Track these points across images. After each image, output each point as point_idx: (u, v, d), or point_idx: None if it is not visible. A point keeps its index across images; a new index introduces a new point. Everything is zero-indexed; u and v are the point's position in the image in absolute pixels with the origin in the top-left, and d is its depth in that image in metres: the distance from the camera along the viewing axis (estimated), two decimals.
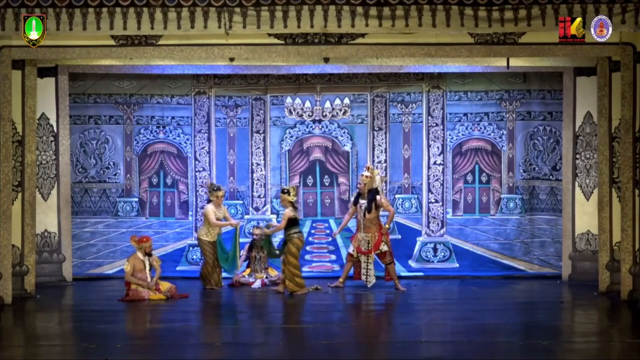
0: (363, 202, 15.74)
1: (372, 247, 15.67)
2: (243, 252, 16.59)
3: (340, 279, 15.97)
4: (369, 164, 16.45)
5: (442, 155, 17.44)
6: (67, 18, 14.23)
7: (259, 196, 17.61)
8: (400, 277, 16.17)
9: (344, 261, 17.13)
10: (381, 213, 15.90)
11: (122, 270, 16.87)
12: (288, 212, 15.46)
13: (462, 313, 14.15)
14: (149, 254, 15.22)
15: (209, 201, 16.21)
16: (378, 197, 15.69)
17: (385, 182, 17.26)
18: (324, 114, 17.62)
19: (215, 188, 16.20)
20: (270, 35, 14.66)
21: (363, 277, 15.80)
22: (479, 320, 13.50)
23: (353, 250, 15.84)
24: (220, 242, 16.02)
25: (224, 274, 16.82)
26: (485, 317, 13.76)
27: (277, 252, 15.68)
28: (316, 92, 17.59)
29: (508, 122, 17.41)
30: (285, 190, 15.62)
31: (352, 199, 16.21)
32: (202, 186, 17.00)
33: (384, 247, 15.69)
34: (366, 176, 15.71)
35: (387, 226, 15.76)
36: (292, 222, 15.46)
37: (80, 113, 17.35)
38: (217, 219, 16.01)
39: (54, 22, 14.19)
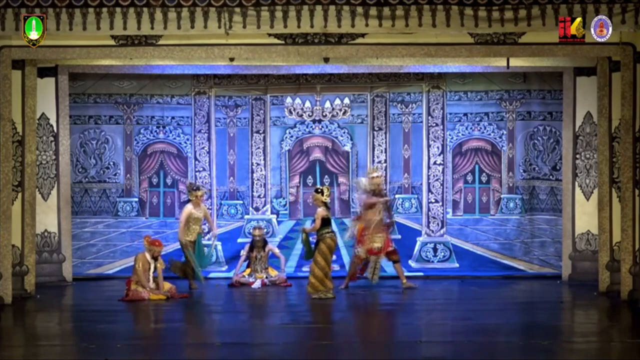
0: (382, 199, 15.86)
1: (383, 246, 15.74)
2: (243, 252, 16.60)
3: (345, 283, 16.00)
4: (374, 165, 16.67)
5: (442, 155, 17.44)
6: (67, 18, 14.23)
7: (259, 196, 17.61)
8: (400, 278, 16.18)
9: (344, 261, 17.17)
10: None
11: (122, 270, 16.93)
12: (321, 211, 15.21)
13: (462, 313, 14.15)
14: (155, 259, 15.21)
15: (188, 201, 16.23)
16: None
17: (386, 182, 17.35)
18: (324, 114, 17.62)
19: (194, 188, 16.22)
20: (270, 35, 14.65)
21: (369, 276, 15.79)
22: (479, 320, 13.50)
23: (364, 253, 15.80)
24: (199, 241, 16.06)
25: (223, 274, 16.86)
26: (485, 317, 13.76)
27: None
28: (316, 92, 17.59)
29: (508, 122, 17.41)
30: (319, 190, 15.40)
31: (368, 200, 15.98)
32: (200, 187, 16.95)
33: (393, 245, 15.91)
34: (378, 176, 15.94)
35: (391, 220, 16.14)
36: (325, 222, 15.23)
37: (80, 113, 17.36)
38: (196, 218, 16.04)
39: (54, 22, 14.19)
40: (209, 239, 16.71)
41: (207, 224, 16.52)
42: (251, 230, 16.84)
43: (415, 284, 15.88)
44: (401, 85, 17.52)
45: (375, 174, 15.97)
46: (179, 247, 16.28)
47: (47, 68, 16.08)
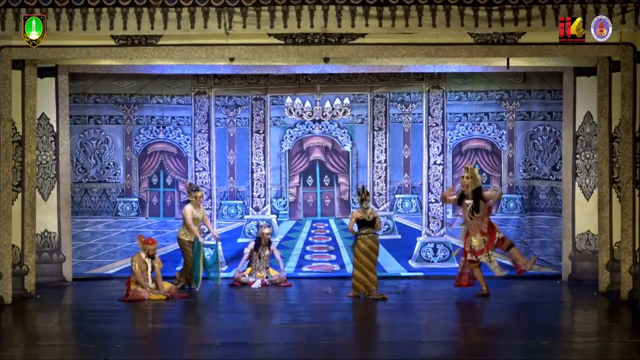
0: (469, 201, 15.17)
1: (487, 244, 15.18)
2: (247, 250, 16.59)
3: (484, 288, 15.20)
4: (468, 165, 16.10)
5: (442, 155, 17.44)
6: (67, 18, 14.23)
7: (259, 196, 17.61)
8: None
9: (343, 261, 17.18)
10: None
11: (122, 270, 16.93)
12: (355, 212, 15.10)
13: (462, 313, 14.14)
14: (151, 257, 15.23)
15: (187, 201, 16.25)
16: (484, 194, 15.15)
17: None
18: (324, 114, 17.62)
19: (193, 189, 16.25)
20: (270, 35, 14.66)
21: (495, 270, 15.27)
22: (479, 320, 13.50)
23: (471, 256, 15.26)
24: (197, 242, 16.07)
25: (224, 274, 16.84)
26: (485, 317, 13.75)
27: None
28: (316, 92, 17.59)
29: (508, 122, 17.41)
30: (357, 191, 15.33)
31: (455, 195, 15.49)
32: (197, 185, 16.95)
33: (499, 234, 15.26)
34: (466, 177, 15.20)
35: (491, 201, 15.28)
36: (361, 223, 15.05)
37: (80, 113, 17.36)
38: (195, 218, 16.07)
39: (54, 22, 14.19)
40: (209, 239, 16.68)
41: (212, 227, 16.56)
42: (260, 229, 16.70)
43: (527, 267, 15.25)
44: (401, 85, 17.52)
45: (464, 174, 15.28)
46: (178, 247, 16.29)
47: (47, 68, 16.08)
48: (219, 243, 16.77)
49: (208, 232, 16.78)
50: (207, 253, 16.46)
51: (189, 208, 16.12)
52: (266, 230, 16.57)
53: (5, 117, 14.72)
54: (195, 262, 15.96)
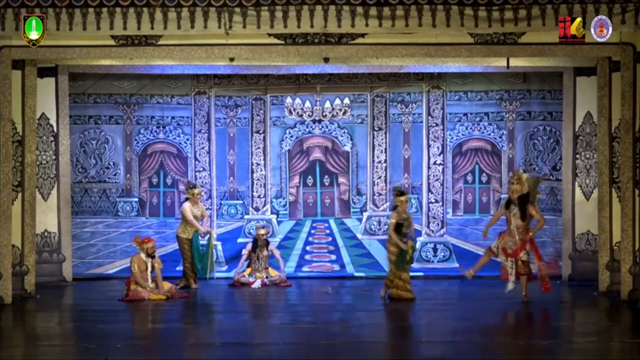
0: (515, 208, 14.66)
1: (515, 251, 14.78)
2: (245, 251, 16.59)
3: (472, 270, 15.06)
4: (517, 169, 15.79)
5: (442, 155, 17.44)
6: (67, 18, 14.23)
7: (259, 196, 17.61)
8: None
9: (344, 261, 17.20)
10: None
11: (122, 270, 16.93)
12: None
13: (462, 313, 14.15)
14: (151, 256, 15.23)
15: (186, 199, 16.28)
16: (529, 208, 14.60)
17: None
18: (324, 114, 17.62)
19: (191, 186, 16.32)
20: (270, 35, 14.66)
21: (511, 278, 14.82)
22: (479, 320, 13.50)
23: (495, 247, 14.89)
24: (196, 239, 16.08)
25: (224, 274, 16.85)
26: (485, 317, 13.76)
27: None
28: (316, 92, 17.59)
29: (508, 122, 17.42)
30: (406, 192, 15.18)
31: (502, 202, 15.34)
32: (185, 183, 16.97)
33: (523, 256, 14.78)
34: (512, 183, 14.64)
35: (531, 234, 14.72)
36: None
37: (80, 113, 17.36)
38: (194, 216, 16.10)
39: (54, 22, 14.20)
40: (207, 239, 16.61)
41: (204, 224, 16.54)
42: (256, 230, 16.73)
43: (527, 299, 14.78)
44: (401, 85, 17.52)
45: (511, 180, 14.85)
46: (178, 247, 16.30)
47: (47, 68, 16.08)
48: (217, 243, 16.77)
49: (207, 233, 16.71)
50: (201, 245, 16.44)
51: (187, 205, 16.14)
52: (261, 232, 16.56)
53: (5, 117, 14.72)
54: (195, 255, 16.01)
